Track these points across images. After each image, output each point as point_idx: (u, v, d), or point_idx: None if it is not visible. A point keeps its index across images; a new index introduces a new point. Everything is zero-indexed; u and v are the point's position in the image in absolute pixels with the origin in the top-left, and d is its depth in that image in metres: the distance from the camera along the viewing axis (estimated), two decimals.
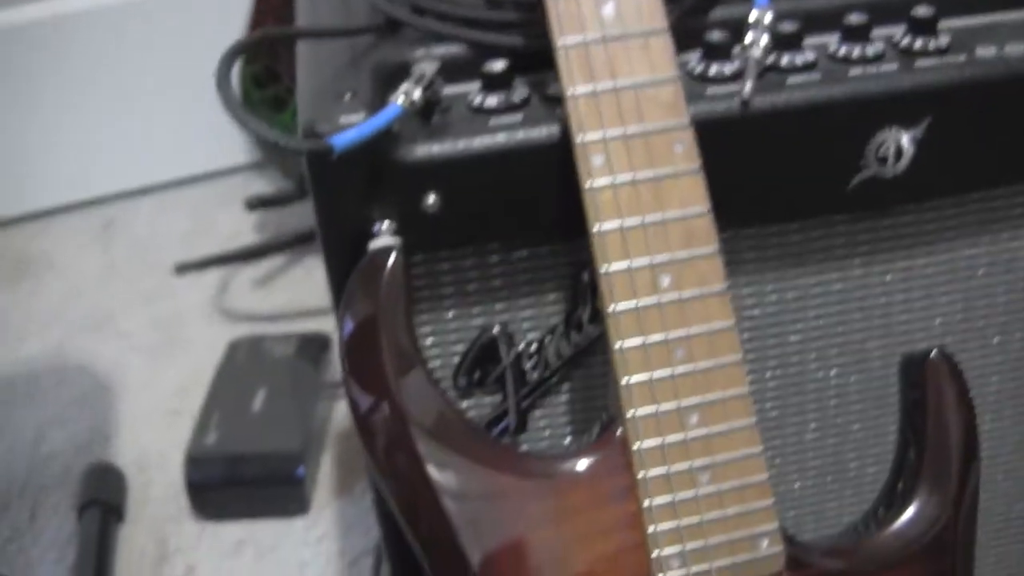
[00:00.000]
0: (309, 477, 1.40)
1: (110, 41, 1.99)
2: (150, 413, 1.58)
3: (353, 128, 0.73)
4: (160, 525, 1.41)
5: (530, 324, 0.85)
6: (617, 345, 0.74)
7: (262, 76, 1.71)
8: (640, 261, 0.74)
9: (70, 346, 1.75)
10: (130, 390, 1.62)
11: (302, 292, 1.75)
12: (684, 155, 0.74)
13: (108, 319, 1.79)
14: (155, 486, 1.46)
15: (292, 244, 1.80)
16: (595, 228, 0.73)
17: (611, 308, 0.74)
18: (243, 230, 1.91)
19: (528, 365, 0.86)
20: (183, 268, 1.84)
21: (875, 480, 0.95)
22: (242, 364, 1.50)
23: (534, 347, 0.85)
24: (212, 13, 1.94)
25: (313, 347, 1.51)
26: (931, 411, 0.82)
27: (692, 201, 0.74)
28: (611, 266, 0.73)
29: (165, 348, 1.70)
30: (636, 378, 0.74)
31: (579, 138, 0.73)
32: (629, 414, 0.74)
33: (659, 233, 0.74)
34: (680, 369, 0.74)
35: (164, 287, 1.84)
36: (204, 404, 1.46)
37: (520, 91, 0.82)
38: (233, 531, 1.39)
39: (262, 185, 1.97)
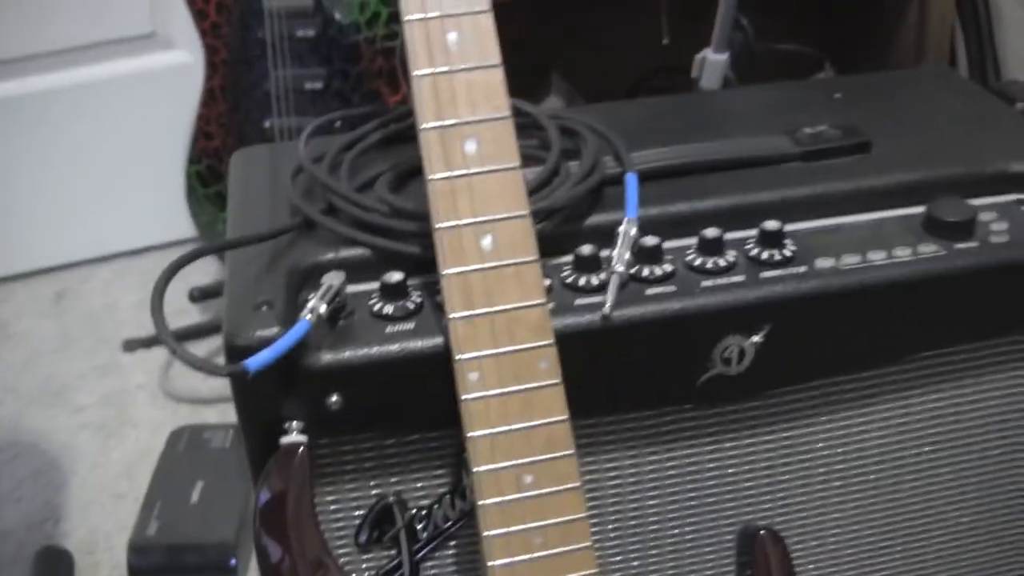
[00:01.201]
0: (241, 564, 1.53)
1: (67, 118, 2.13)
2: (98, 493, 1.70)
3: (266, 350, 0.87)
4: None
5: (421, 492, 0.99)
6: (485, 533, 0.88)
7: (206, 175, 1.84)
8: (506, 463, 0.87)
9: (26, 418, 1.87)
10: (80, 469, 1.75)
11: None
12: (548, 371, 0.88)
13: (62, 392, 1.92)
14: (102, 568, 1.58)
15: None
16: (468, 433, 0.87)
17: (480, 502, 0.87)
18: (189, 305, 2.04)
19: (420, 526, 0.99)
20: (131, 345, 1.96)
21: None
22: (182, 454, 1.64)
23: (424, 512, 0.99)
24: (165, 94, 2.08)
25: None
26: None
27: (553, 411, 0.88)
28: (481, 467, 0.87)
29: (114, 426, 1.83)
30: (500, 561, 0.88)
31: (457, 356, 0.87)
32: None
33: (523, 438, 0.88)
34: (539, 554, 0.88)
35: (114, 361, 1.97)
36: (147, 493, 1.59)
37: (415, 297, 0.95)
38: None
39: (209, 260, 2.07)
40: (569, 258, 0.98)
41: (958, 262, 1.02)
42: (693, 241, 1.01)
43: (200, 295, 1.88)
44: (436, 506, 0.98)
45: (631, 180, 1.00)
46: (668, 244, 1.00)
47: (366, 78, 1.73)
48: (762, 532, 0.98)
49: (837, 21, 2.18)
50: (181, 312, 2.01)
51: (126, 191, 2.18)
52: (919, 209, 1.07)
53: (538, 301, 0.88)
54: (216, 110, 1.80)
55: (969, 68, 2.17)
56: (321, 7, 1.70)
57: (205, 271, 1.97)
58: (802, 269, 0.99)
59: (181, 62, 2.13)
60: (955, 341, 1.05)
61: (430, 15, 0.86)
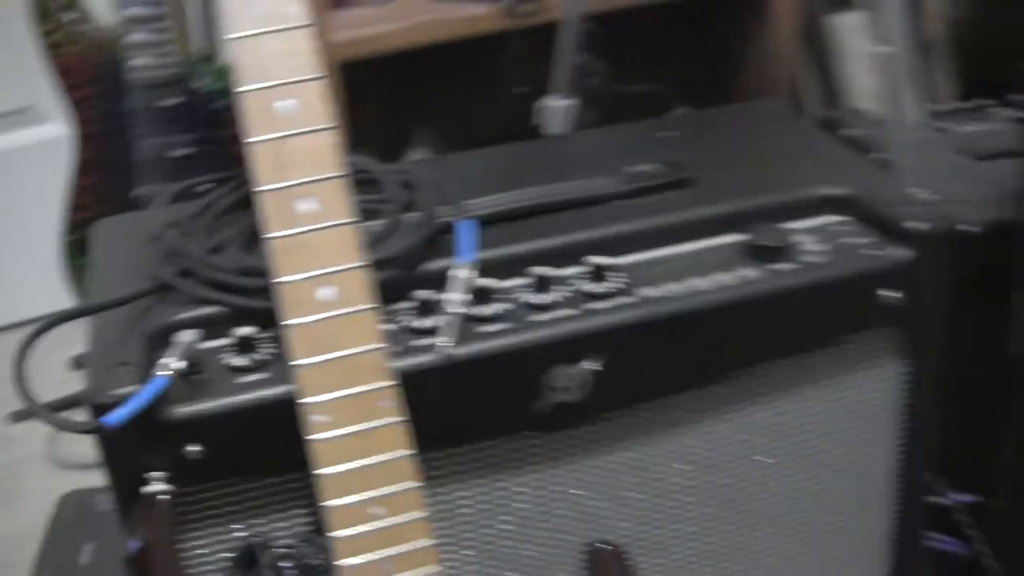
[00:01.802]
0: None
1: None
2: None
3: (124, 406, 0.93)
4: None
5: (285, 532, 1.05)
6: (338, 563, 0.94)
7: (82, 245, 1.90)
8: (355, 497, 0.94)
9: None
10: None
11: None
12: (389, 409, 0.95)
13: None
14: None
15: None
16: (316, 472, 0.93)
17: (333, 535, 0.93)
18: (72, 374, 2.07)
19: (287, 565, 1.05)
20: (19, 416, 2.00)
21: None
22: (71, 519, 1.68)
23: (290, 551, 1.05)
24: (40, 167, 2.13)
25: None
26: None
27: (396, 446, 0.95)
28: (330, 502, 0.93)
29: (5, 497, 1.86)
30: None
31: (303, 400, 0.93)
32: None
33: (369, 474, 0.94)
34: None
35: (3, 433, 2.00)
36: (37, 558, 1.62)
37: (266, 349, 1.02)
38: None
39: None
40: (409, 303, 1.05)
41: (776, 283, 1.10)
42: (527, 280, 1.08)
43: (80, 363, 1.92)
44: (301, 544, 1.04)
45: (463, 227, 1.08)
46: (506, 283, 1.07)
47: (231, 143, 1.79)
48: (601, 549, 1.05)
49: (691, 61, 2.28)
50: (64, 382, 2.03)
51: (4, 264, 2.22)
52: (741, 236, 1.14)
53: (376, 346, 0.94)
54: (89, 181, 1.86)
55: (822, 99, 2.28)
56: (183, 77, 1.76)
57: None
58: (628, 299, 1.07)
59: (55, 136, 2.17)
60: (782, 355, 1.13)
61: (263, 85, 0.93)
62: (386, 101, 2.15)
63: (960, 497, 1.38)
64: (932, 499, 1.34)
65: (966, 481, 1.38)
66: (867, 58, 2.08)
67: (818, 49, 2.23)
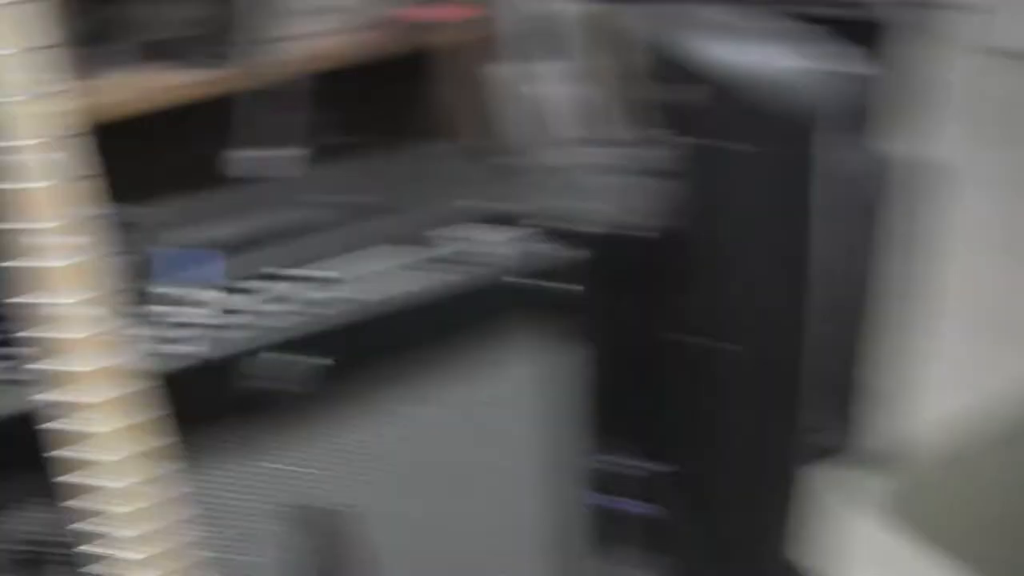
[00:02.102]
0: None
1: None
2: None
3: None
4: None
5: (50, 524, 1.21)
6: (98, 545, 1.12)
7: None
8: (110, 483, 1.09)
9: None
10: None
11: None
12: (140, 407, 1.12)
13: None
14: None
15: None
16: (75, 466, 1.11)
17: (91, 520, 1.10)
18: None
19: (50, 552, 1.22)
20: None
21: None
22: None
23: (54, 539, 1.22)
24: None
25: None
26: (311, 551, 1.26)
27: (150, 438, 1.12)
28: (88, 489, 1.10)
29: None
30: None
31: (59, 403, 1.10)
32: None
33: (124, 464, 1.10)
34: (137, 554, 1.12)
35: None
36: None
37: (27, 363, 1.19)
38: None
39: None
40: (157, 317, 1.25)
41: (460, 284, 1.36)
42: (258, 294, 1.30)
43: None
44: (63, 533, 1.20)
45: (203, 254, 1.29)
46: (240, 297, 1.28)
47: None
48: (318, 514, 1.27)
49: (402, 111, 2.53)
50: None
51: None
52: (431, 249, 1.38)
53: (125, 356, 1.11)
54: None
55: (512, 137, 2.53)
56: None
57: None
58: (338, 304, 1.29)
59: None
60: (471, 343, 1.38)
61: (20, 143, 1.09)
62: (137, 156, 2.33)
63: (641, 464, 1.63)
64: (616, 467, 1.58)
65: (646, 450, 1.63)
66: (548, 99, 2.32)
67: (504, 94, 2.48)
